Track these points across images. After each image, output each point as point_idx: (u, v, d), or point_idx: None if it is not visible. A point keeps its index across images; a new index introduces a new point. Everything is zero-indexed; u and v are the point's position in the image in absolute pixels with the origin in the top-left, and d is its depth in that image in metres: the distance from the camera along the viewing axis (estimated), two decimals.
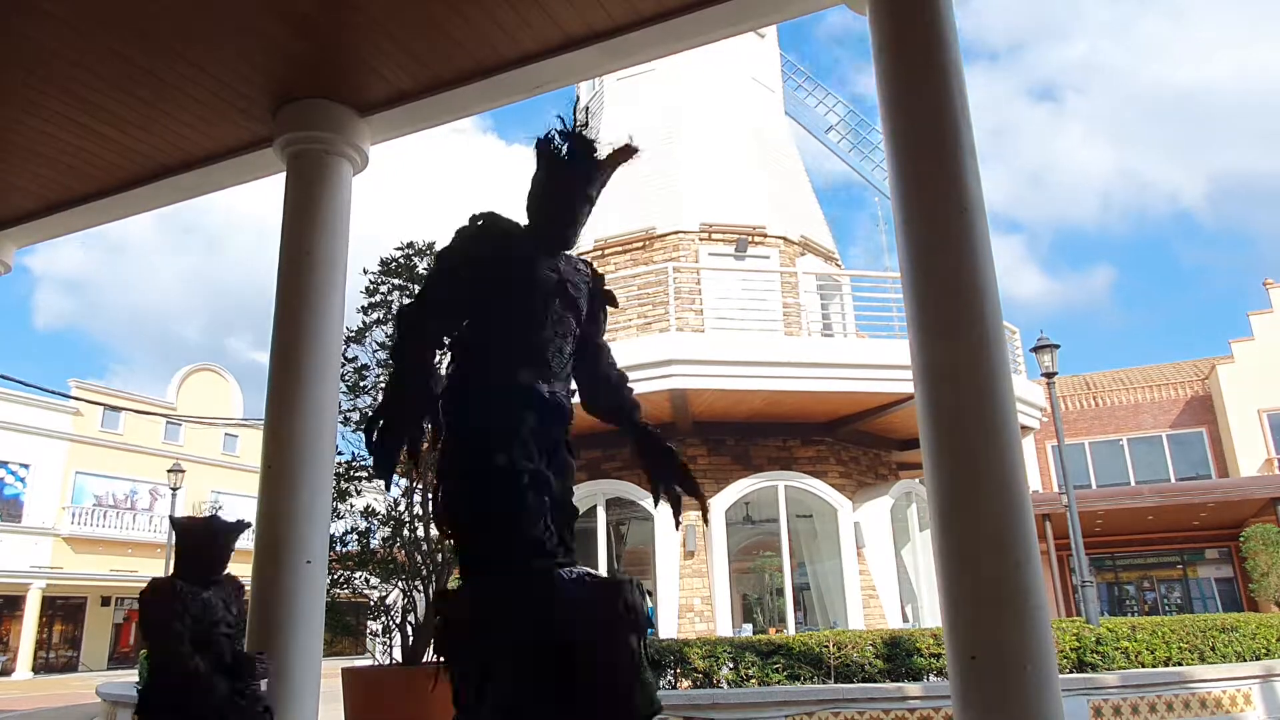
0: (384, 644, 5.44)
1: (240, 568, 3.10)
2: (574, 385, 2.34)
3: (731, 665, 8.45)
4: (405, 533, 5.43)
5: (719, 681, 8.44)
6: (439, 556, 5.39)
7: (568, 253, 2.25)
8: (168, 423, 37.99)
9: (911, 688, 8.12)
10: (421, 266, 5.97)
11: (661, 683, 8.52)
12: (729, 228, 14.21)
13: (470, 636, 1.30)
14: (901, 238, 3.00)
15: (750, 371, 11.06)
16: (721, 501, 12.26)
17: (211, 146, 4.48)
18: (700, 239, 14.13)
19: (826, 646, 8.52)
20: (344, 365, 5.60)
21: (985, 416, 2.74)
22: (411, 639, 5.27)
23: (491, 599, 1.28)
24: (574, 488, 2.11)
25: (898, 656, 8.52)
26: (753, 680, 8.37)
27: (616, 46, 3.83)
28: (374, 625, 5.51)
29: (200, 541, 3.17)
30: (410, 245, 6.06)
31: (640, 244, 14.24)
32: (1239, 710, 8.99)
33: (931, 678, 8.45)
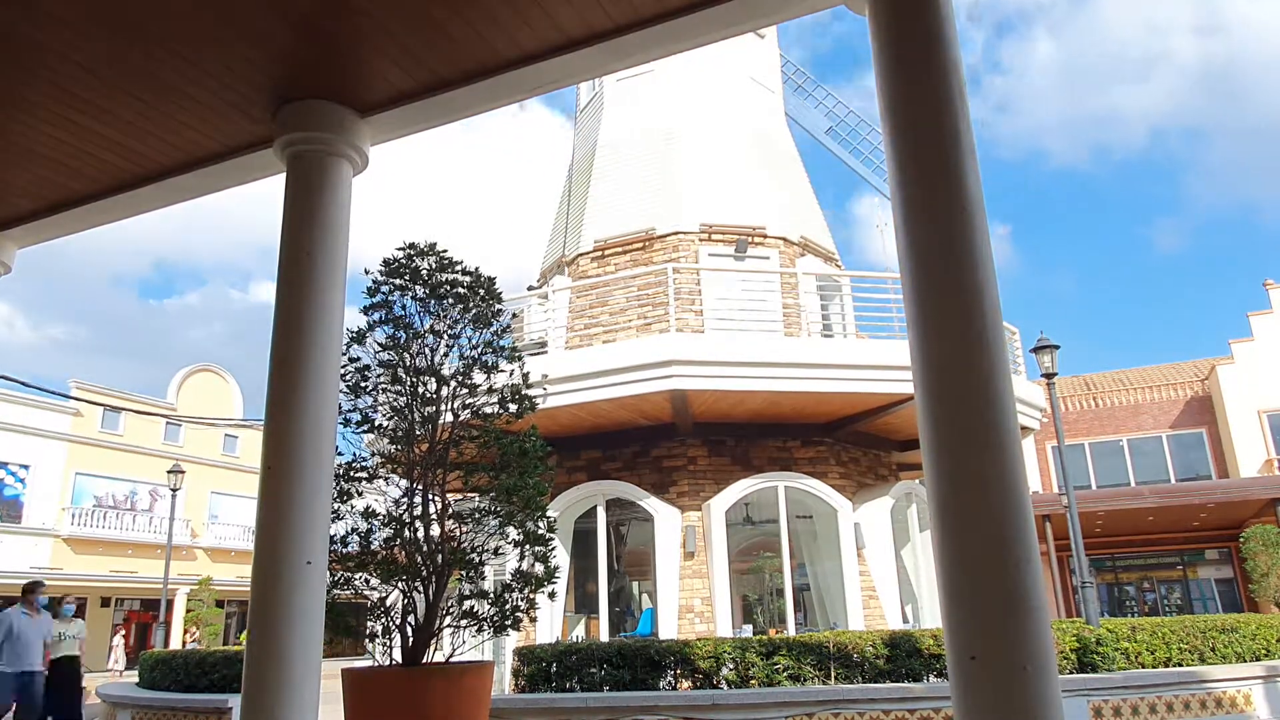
0: (384, 645, 5.44)
1: (240, 568, 3.11)
2: None
3: (732, 666, 8.45)
4: (406, 534, 5.43)
5: (719, 682, 8.44)
6: (439, 558, 5.39)
7: None
8: (167, 423, 38.01)
9: (911, 688, 8.12)
10: (424, 266, 5.98)
11: (661, 683, 8.52)
12: (729, 228, 14.22)
13: None
14: (901, 238, 2.99)
15: (750, 372, 11.07)
16: (721, 502, 12.26)
17: (212, 147, 4.48)
18: (700, 239, 14.14)
19: (827, 646, 8.52)
20: (345, 366, 5.60)
21: (985, 417, 2.73)
22: (411, 640, 5.28)
23: None
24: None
25: (898, 657, 8.52)
26: (754, 681, 8.37)
27: (616, 47, 3.83)
28: (374, 626, 5.51)
29: None
30: (412, 245, 6.06)
31: (640, 244, 14.25)
32: (1239, 711, 8.98)
33: (931, 678, 8.46)
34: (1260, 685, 9.19)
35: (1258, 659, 9.75)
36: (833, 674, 8.37)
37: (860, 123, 17.81)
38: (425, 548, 5.41)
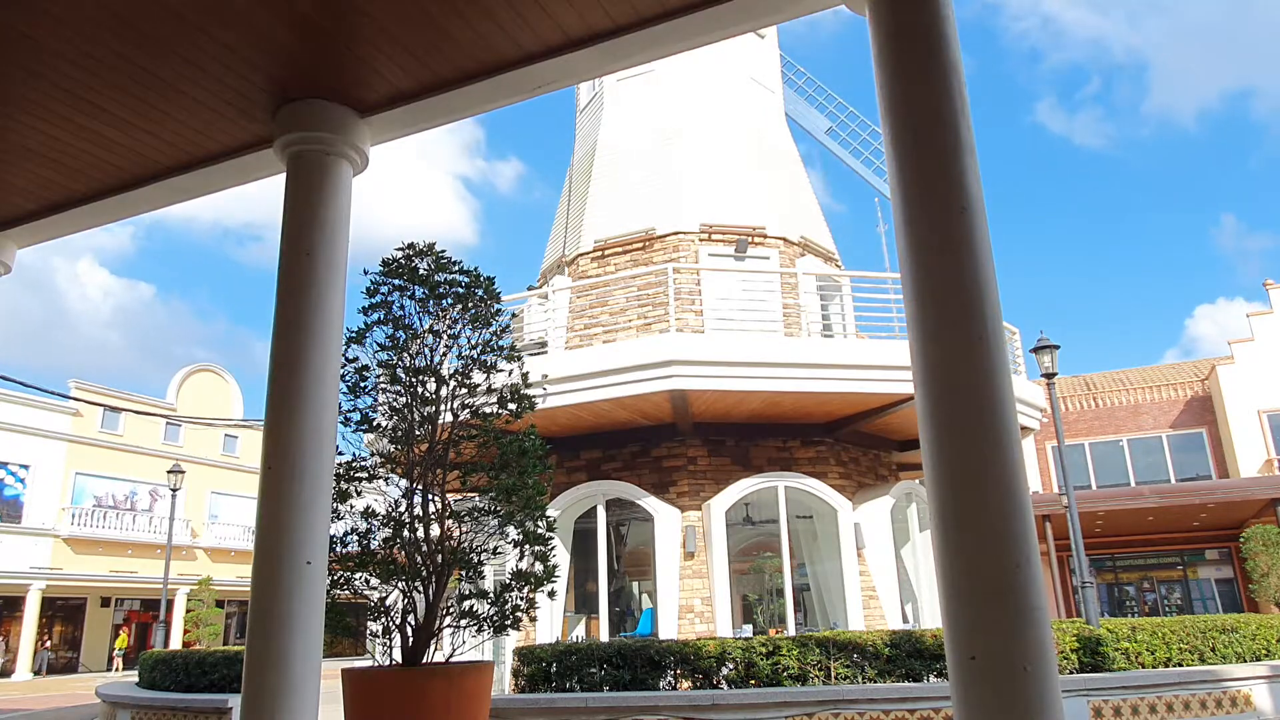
0: (384, 645, 5.44)
1: (240, 568, 3.12)
2: None
3: (732, 665, 8.44)
4: (405, 534, 5.43)
5: (719, 682, 8.44)
6: (439, 558, 5.39)
7: None
8: (167, 423, 38.02)
9: (911, 688, 8.12)
10: (423, 266, 5.98)
11: (661, 683, 8.52)
12: (729, 228, 14.22)
13: None
14: (901, 238, 3.00)
15: (750, 372, 11.07)
16: (721, 502, 12.26)
17: (211, 147, 4.48)
18: (700, 239, 14.14)
19: (828, 645, 8.52)
20: (344, 365, 5.60)
21: (985, 417, 2.73)
22: (411, 640, 5.28)
23: None
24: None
25: (898, 657, 8.52)
26: (754, 681, 8.37)
27: (617, 47, 3.83)
28: (374, 626, 5.51)
29: None
30: (411, 246, 6.06)
31: (640, 244, 14.25)
32: (1240, 710, 8.98)
33: (932, 678, 8.45)
34: (1263, 685, 9.19)
35: (1258, 659, 9.75)
36: (834, 673, 8.37)
37: (860, 123, 17.82)
38: (425, 548, 5.41)
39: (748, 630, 12.00)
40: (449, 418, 5.75)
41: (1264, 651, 9.92)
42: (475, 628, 5.55)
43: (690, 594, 12.09)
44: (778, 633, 11.52)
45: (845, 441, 13.50)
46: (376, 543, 5.65)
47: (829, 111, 17.95)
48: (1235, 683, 9.07)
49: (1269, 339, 27.05)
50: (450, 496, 5.85)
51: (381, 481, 5.98)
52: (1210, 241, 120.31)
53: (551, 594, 5.77)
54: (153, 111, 4.15)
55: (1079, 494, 17.92)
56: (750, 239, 14.13)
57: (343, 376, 5.36)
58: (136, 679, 13.71)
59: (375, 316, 5.87)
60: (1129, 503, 21.31)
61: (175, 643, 33.18)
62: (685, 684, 8.61)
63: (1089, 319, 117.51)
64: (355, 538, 5.68)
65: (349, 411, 5.79)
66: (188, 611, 34.57)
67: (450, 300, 5.95)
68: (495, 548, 5.74)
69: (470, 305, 5.99)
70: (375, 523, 5.62)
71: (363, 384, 5.89)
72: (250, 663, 3.58)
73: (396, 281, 5.92)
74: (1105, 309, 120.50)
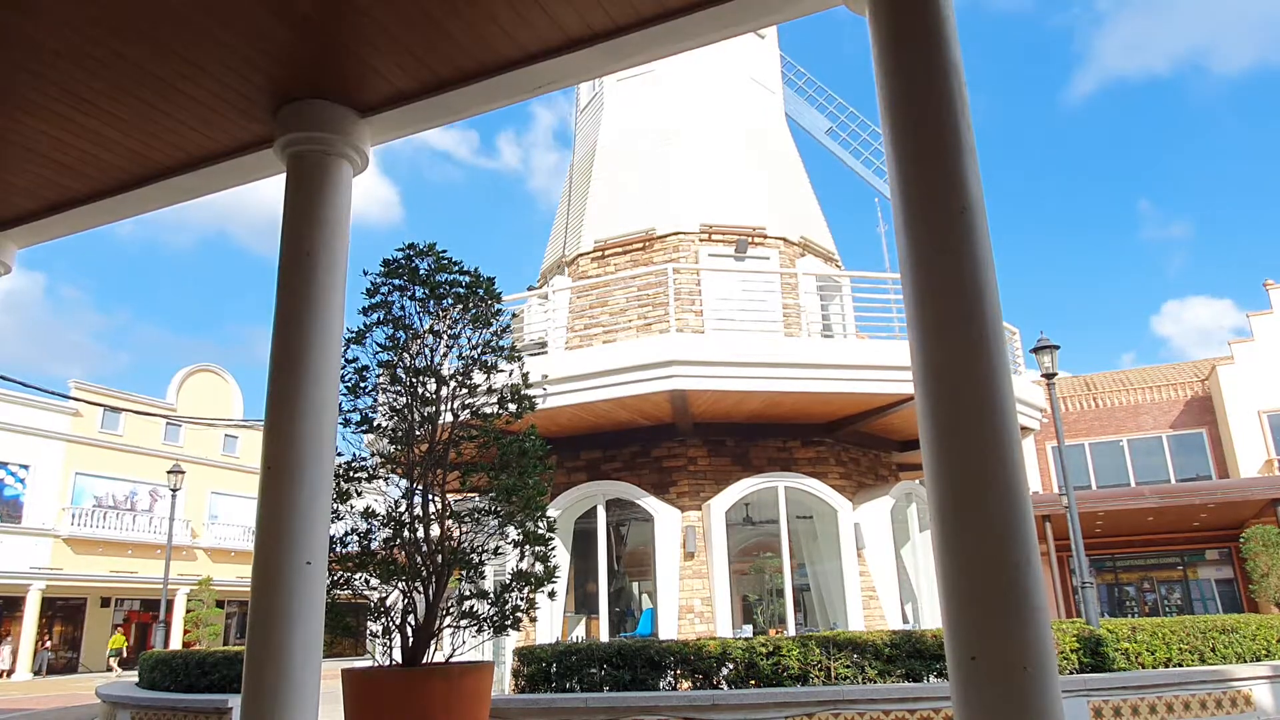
0: (384, 645, 5.44)
1: (240, 568, 3.12)
2: None
3: (732, 666, 8.44)
4: (405, 534, 5.43)
5: (719, 682, 8.44)
6: (439, 558, 5.39)
7: None
8: (167, 424, 38.02)
9: (911, 688, 8.12)
10: (423, 266, 5.98)
11: (661, 683, 8.52)
12: (729, 228, 14.22)
13: None
14: (901, 238, 2.99)
15: (750, 372, 11.07)
16: (721, 502, 12.26)
17: (212, 147, 4.48)
18: (700, 240, 14.14)
19: (829, 645, 8.52)
20: (344, 366, 5.60)
21: (985, 417, 2.73)
22: (411, 640, 5.28)
23: None
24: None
25: (898, 657, 8.52)
26: (754, 681, 8.37)
27: (616, 47, 3.83)
28: (374, 626, 5.52)
29: None
30: (411, 246, 6.06)
31: (640, 245, 14.25)
32: (1240, 711, 8.98)
33: (931, 678, 8.45)
34: (1264, 685, 9.19)
35: (1258, 659, 9.75)
36: (834, 674, 8.36)
37: (860, 123, 17.82)
38: (425, 548, 5.41)
39: (748, 630, 11.99)
40: (449, 418, 5.75)
41: (1264, 652, 9.91)
42: (475, 628, 5.55)
43: (690, 594, 12.09)
44: (778, 633, 11.51)
45: (845, 441, 13.50)
46: (376, 543, 5.65)
47: (829, 112, 17.94)
48: (1235, 683, 9.07)
49: (1269, 339, 27.05)
50: (450, 497, 5.85)
51: (381, 482, 5.98)
52: (1135, 231, 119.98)
53: (552, 594, 5.77)
54: (153, 111, 4.15)
55: (1079, 494, 17.94)
56: (750, 239, 14.13)
57: (343, 377, 5.36)
58: (136, 679, 13.71)
59: (375, 317, 5.87)
60: (1129, 503, 21.32)
61: (175, 643, 33.18)
62: (685, 684, 8.61)
63: (1066, 317, 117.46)
64: (355, 538, 5.69)
65: (349, 412, 5.79)
66: (188, 612, 34.58)
67: (450, 300, 5.95)
68: (495, 548, 5.74)
69: (470, 305, 5.99)
70: (375, 523, 5.62)
71: (363, 384, 5.89)
72: (250, 663, 3.57)
73: (397, 282, 5.92)
74: (1075, 306, 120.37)
